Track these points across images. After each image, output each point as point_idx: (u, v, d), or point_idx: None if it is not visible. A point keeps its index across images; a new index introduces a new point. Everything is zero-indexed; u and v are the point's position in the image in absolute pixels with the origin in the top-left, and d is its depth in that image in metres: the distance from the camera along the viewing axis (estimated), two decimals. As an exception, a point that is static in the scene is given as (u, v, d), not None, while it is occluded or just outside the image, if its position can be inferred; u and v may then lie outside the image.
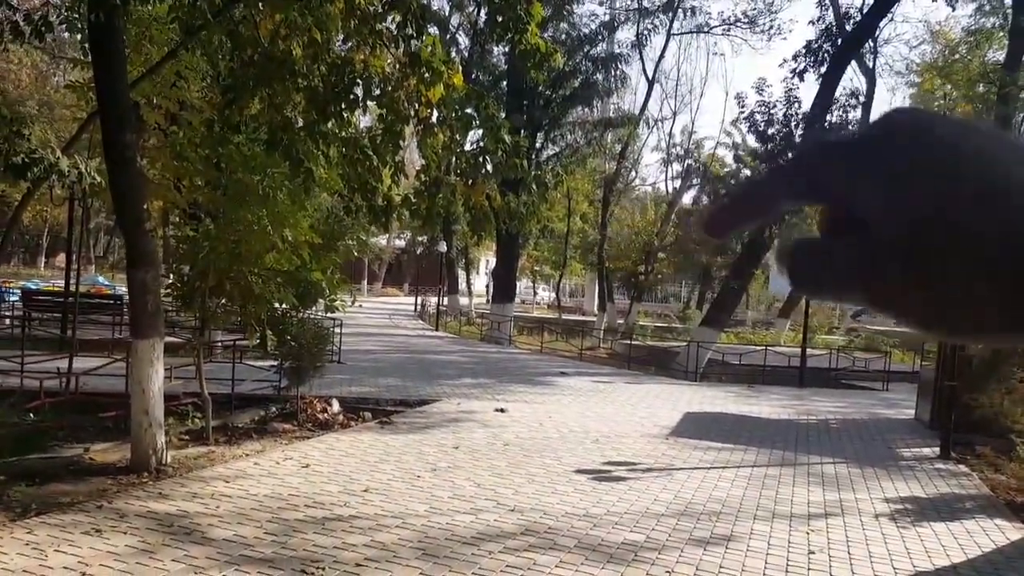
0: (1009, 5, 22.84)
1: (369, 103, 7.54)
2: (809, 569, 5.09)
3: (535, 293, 48.98)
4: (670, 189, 36.74)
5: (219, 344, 11.96)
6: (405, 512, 5.73)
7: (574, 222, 31.99)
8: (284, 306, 8.34)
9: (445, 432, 8.89)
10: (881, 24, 21.77)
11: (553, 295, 43.62)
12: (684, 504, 6.48)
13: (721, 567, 4.99)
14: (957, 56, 27.95)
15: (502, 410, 10.54)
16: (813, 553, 5.43)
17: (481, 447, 8.19)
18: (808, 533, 5.90)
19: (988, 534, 6.15)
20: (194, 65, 9.55)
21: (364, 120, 11.02)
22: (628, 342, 21.62)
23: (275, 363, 9.41)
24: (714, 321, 18.72)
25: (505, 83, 22.93)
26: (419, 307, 32.99)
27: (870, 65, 27.51)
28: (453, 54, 19.70)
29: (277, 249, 7.38)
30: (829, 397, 15.12)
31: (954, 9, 32.72)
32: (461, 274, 38.99)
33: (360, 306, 37.09)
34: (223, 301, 7.87)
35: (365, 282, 46.30)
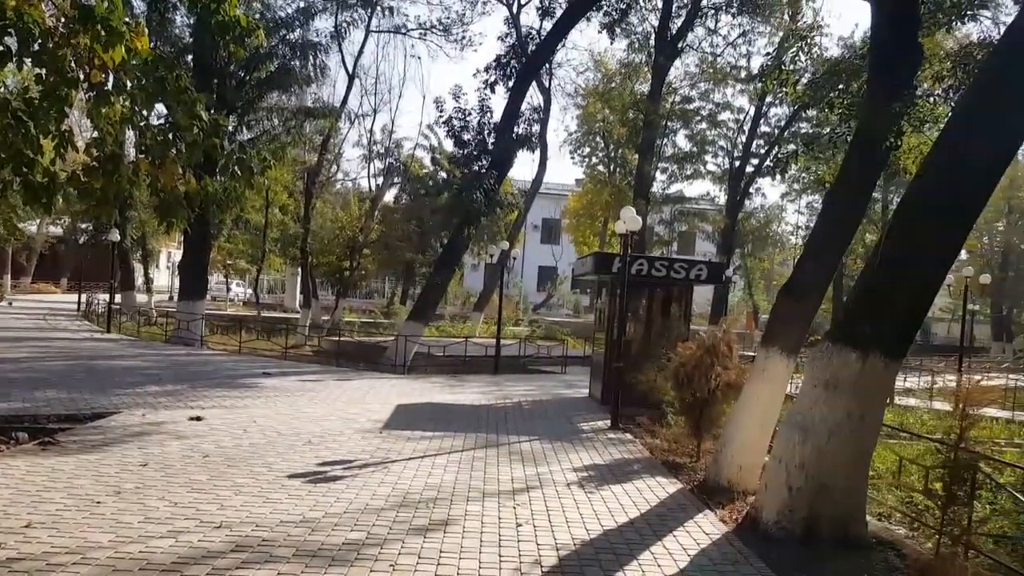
0: (653, 44, 27.23)
1: (26, 60, 6.28)
2: (519, 541, 5.52)
3: (229, 289, 45.38)
4: (373, 186, 36.87)
5: None
6: (84, 546, 4.91)
7: (273, 214, 30.36)
8: None
9: (129, 448, 7.83)
10: (556, 48, 24.34)
11: (250, 291, 40.88)
12: (402, 495, 6.58)
13: (442, 552, 5.16)
14: (614, 85, 32.44)
15: (198, 418, 9.62)
16: (520, 526, 5.90)
17: (175, 461, 7.37)
18: (515, 508, 6.40)
19: (652, 490, 7.28)
20: None
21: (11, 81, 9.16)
22: (335, 338, 21.23)
23: None
24: (420, 315, 19.28)
25: (191, 57, 20.89)
26: (84, 306, 28.54)
27: (547, 84, 30.62)
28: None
29: None
30: (520, 382, 16.58)
31: (612, 42, 37.88)
32: (138, 267, 34.59)
33: (10, 304, 30.85)
34: None
35: (8, 277, 38.62)
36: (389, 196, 36.40)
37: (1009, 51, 5.38)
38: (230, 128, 19.67)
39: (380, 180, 35.76)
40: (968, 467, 4.65)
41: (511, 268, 35.43)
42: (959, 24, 8.40)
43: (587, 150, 37.38)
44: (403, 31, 32.41)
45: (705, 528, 6.15)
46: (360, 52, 32.35)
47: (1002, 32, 6.65)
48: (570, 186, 48.08)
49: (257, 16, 21.07)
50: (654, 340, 12.26)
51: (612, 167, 35.36)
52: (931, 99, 7.44)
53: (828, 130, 9.74)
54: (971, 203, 5.67)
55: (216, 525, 5.48)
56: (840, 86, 8.41)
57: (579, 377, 16.87)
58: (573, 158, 39.17)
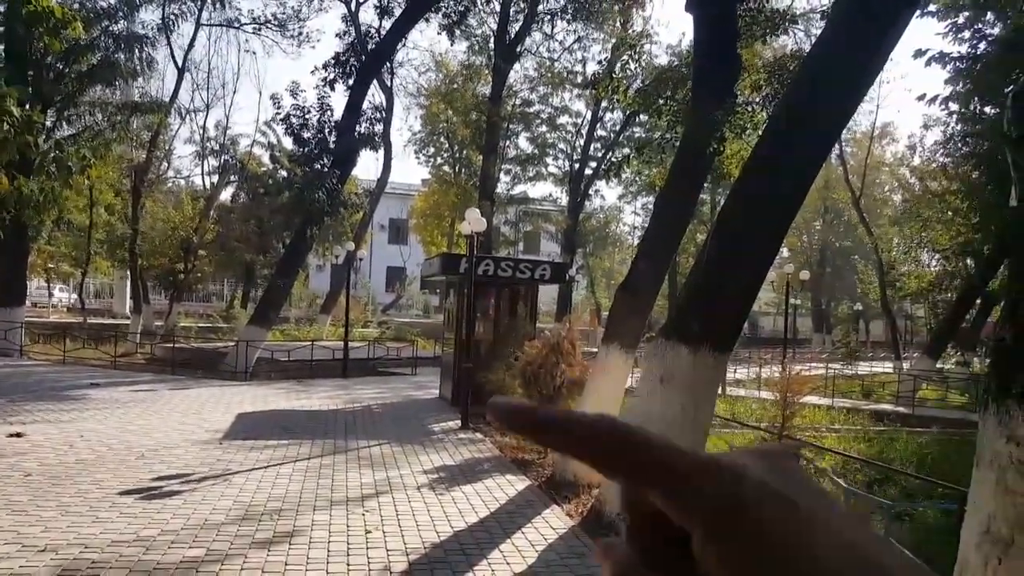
0: (492, 47, 27.61)
1: None
2: (368, 548, 5.33)
3: (51, 295, 40.74)
4: (207, 184, 34.49)
5: None
6: None
7: (98, 214, 27.53)
8: None
9: (-81, 479, 6.77)
10: (397, 47, 24.03)
11: (75, 296, 36.87)
12: (244, 508, 6.18)
13: (287, 564, 4.89)
14: (456, 86, 32.55)
15: (19, 434, 8.61)
16: (370, 532, 5.71)
17: (-20, 489, 6.46)
18: (364, 514, 6.19)
19: (502, 488, 7.33)
20: None
21: None
22: (170, 345, 19.61)
23: None
24: (262, 319, 18.26)
25: (1, 48, 18.48)
26: None
27: (389, 84, 30.16)
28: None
29: None
30: (370, 384, 16.18)
31: (452, 44, 38.04)
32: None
33: None
34: None
35: None
36: (225, 195, 34.24)
37: (817, 63, 5.91)
38: (47, 124, 17.63)
39: (215, 178, 33.57)
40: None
41: (358, 269, 34.57)
42: (774, 37, 9.19)
43: (432, 150, 37.24)
44: (236, 25, 30.62)
45: (552, 523, 6.26)
46: (190, 45, 30.00)
47: (812, 44, 7.28)
48: (416, 186, 47.73)
49: (75, 6, 19.06)
50: (502, 339, 12.40)
51: (457, 168, 35.48)
52: (750, 107, 8.06)
53: (658, 135, 10.32)
54: (787, 204, 6.16)
55: (40, 548, 4.94)
56: (667, 93, 8.91)
57: (429, 378, 16.75)
58: (418, 158, 38.91)
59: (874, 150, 39.37)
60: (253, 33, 30.79)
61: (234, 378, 16.12)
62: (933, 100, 14.51)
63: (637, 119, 27.93)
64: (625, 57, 9.43)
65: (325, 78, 19.73)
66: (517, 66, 29.48)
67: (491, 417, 0.32)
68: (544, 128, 34.84)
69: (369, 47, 21.12)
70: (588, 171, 33.68)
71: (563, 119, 34.88)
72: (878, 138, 41.49)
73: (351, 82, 19.60)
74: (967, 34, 15.21)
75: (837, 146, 30.67)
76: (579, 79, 30.73)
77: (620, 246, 44.59)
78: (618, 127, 32.44)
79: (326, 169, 18.88)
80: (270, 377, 17.06)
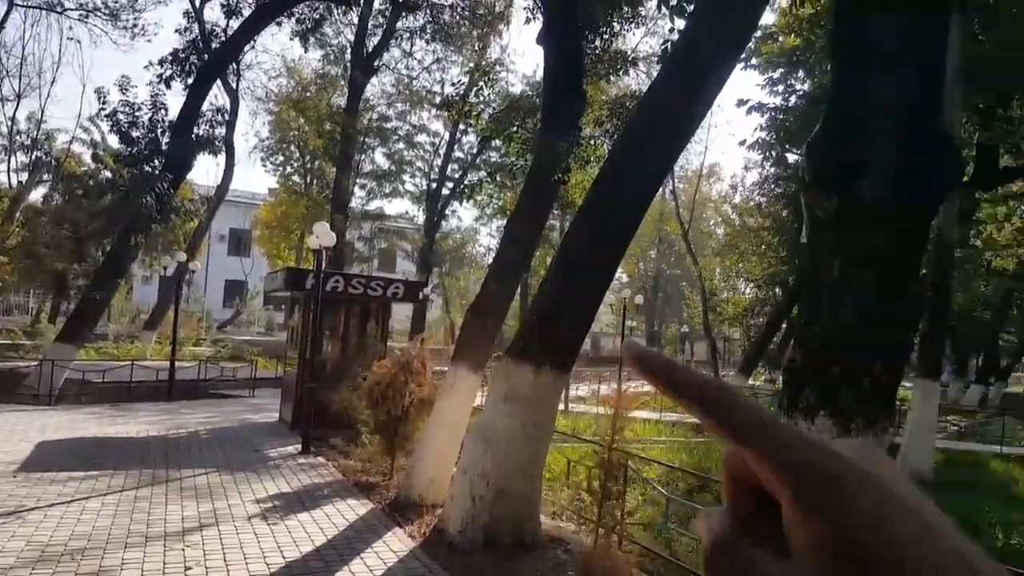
0: (349, 59, 27.17)
1: None
2: (189, 588, 4.97)
3: None
4: (14, 182, 30.83)
5: None
6: None
7: None
8: None
9: None
10: (245, 48, 23.00)
11: None
12: (40, 549, 5.52)
13: (90, 614, 4.43)
14: (309, 94, 31.65)
15: None
16: (190, 569, 5.32)
17: None
18: (184, 549, 5.76)
19: (343, 514, 7.11)
20: None
21: None
22: (-48, 366, 17.20)
23: None
24: (73, 336, 16.49)
25: None
26: None
27: (234, 86, 28.73)
28: None
29: None
30: (200, 408, 15.10)
31: (306, 51, 36.92)
32: None
33: None
34: None
35: None
36: (36, 195, 30.85)
37: (650, 105, 6.38)
38: None
39: (24, 176, 30.14)
40: (619, 465, 5.34)
41: (191, 281, 32.34)
42: (618, 76, 9.80)
43: (281, 159, 35.84)
44: (58, 10, 27.86)
45: (393, 546, 6.16)
46: (0, 27, 26.92)
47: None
48: (263, 195, 45.53)
49: None
50: (350, 359, 12.08)
51: (308, 178, 34.38)
52: (594, 140, 8.53)
53: (510, 161, 10.64)
54: (622, 233, 6.56)
55: None
56: (518, 121, 9.22)
57: (269, 400, 15.95)
58: (265, 166, 37.07)
59: (702, 187, 42.89)
60: (79, 20, 28.16)
61: (37, 402, 14.44)
62: (752, 145, 16.09)
63: (492, 144, 28.52)
64: (480, 83, 9.64)
65: (161, 75, 18.48)
66: (375, 80, 29.16)
67: (623, 354, 0.34)
68: (401, 145, 34.68)
69: (213, 46, 20.02)
70: (445, 191, 33.85)
71: (421, 137, 34.93)
72: (706, 177, 45.27)
73: (190, 81, 18.48)
74: (781, 88, 17.06)
75: (670, 182, 33.09)
76: (437, 99, 30.92)
77: (476, 266, 45.10)
78: (475, 150, 32.94)
79: (157, 171, 17.58)
80: (80, 401, 15.43)
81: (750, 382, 24.31)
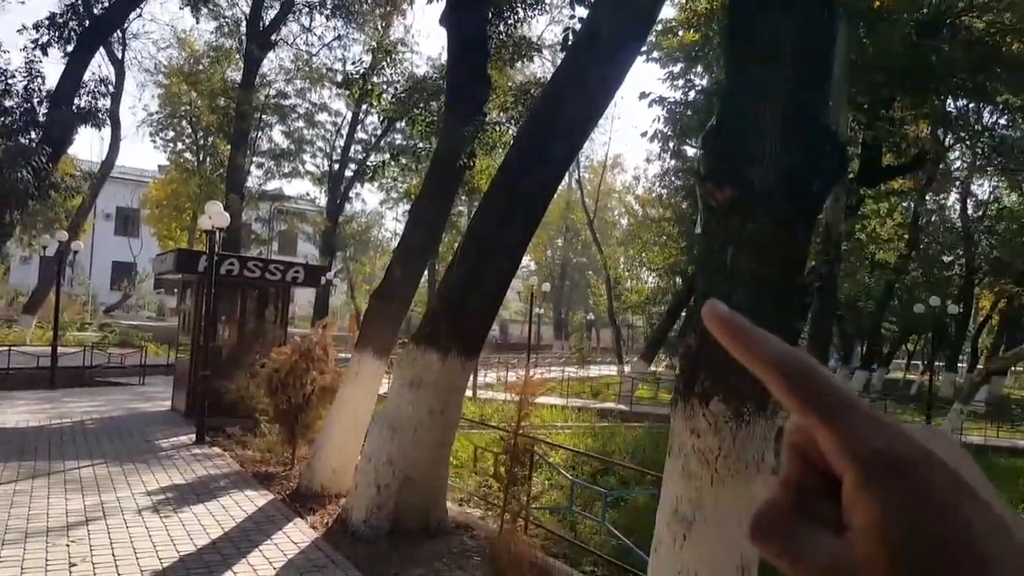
0: (245, 32, 25.98)
1: None
2: (71, 588, 4.68)
3: None
4: None
5: None
6: None
7: None
8: None
9: None
10: (130, 16, 21.57)
11: None
12: None
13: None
14: (202, 67, 30.03)
15: None
16: (75, 565, 5.02)
17: None
18: (69, 545, 5.43)
19: (240, 506, 6.88)
20: None
21: None
22: None
23: None
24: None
25: None
26: None
27: (119, 56, 26.92)
28: None
29: None
30: (85, 397, 14.20)
31: (198, 22, 35.01)
32: None
33: None
34: None
35: None
36: None
37: (554, 92, 6.44)
38: None
39: None
40: (525, 451, 5.41)
41: (74, 262, 30.19)
42: (524, 62, 9.82)
43: (171, 134, 33.90)
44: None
45: (294, 537, 6.02)
46: None
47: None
48: (152, 172, 43.00)
49: None
50: (247, 345, 11.64)
51: (201, 156, 32.71)
52: (499, 126, 8.52)
53: (415, 144, 10.47)
54: (528, 220, 6.61)
55: None
56: (422, 104, 9.08)
57: (161, 388, 15.18)
58: (155, 141, 34.92)
59: (607, 178, 43.86)
60: (-62, -24, 25.59)
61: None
62: (652, 137, 16.55)
63: (397, 126, 28.03)
64: (383, 63, 9.42)
65: (36, 40, 17.02)
66: (272, 55, 28.00)
67: (706, 314, 0.32)
68: (301, 123, 33.50)
69: (95, 11, 18.62)
70: (349, 172, 33.00)
71: (322, 116, 33.84)
72: (610, 167, 46.30)
73: (70, 49, 17.15)
74: (681, 82, 17.63)
75: (575, 171, 33.65)
76: (339, 77, 30.04)
77: (382, 251, 44.35)
78: (379, 131, 32.24)
79: (34, 144, 16.26)
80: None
81: (651, 368, 25.16)
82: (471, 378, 18.42)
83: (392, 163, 11.27)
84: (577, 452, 9.09)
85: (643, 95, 16.95)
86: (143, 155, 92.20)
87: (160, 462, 8.57)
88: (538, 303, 35.29)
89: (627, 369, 23.25)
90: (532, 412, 5.94)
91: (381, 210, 42.08)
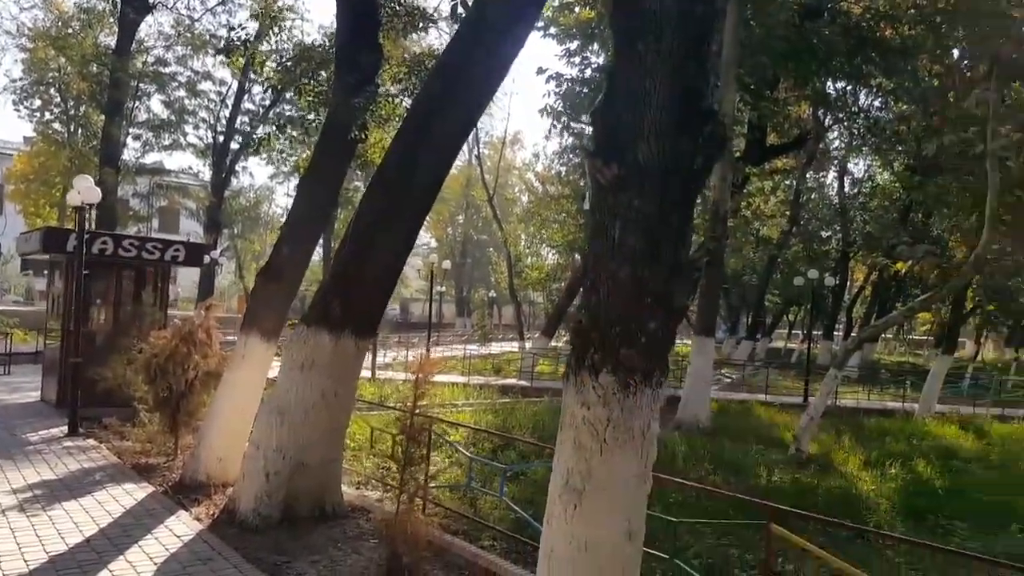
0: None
1: None
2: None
3: None
4: None
5: None
6: None
7: None
8: None
9: None
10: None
11: None
12: None
13: None
14: (71, 31, 27.65)
15: None
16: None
17: None
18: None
19: (118, 500, 6.45)
20: None
21: None
22: None
23: None
24: None
25: None
26: None
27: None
28: None
29: None
30: (-63, 392, 12.93)
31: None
32: None
33: None
34: None
35: None
36: None
37: (448, 64, 6.29)
38: None
39: None
40: (422, 430, 5.32)
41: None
42: (419, 33, 9.56)
43: (38, 103, 31.13)
44: None
45: (177, 530, 5.71)
46: None
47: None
48: (17, 144, 39.46)
49: None
50: (124, 329, 10.87)
51: (72, 126, 30.22)
52: (393, 98, 8.27)
53: (303, 115, 10.01)
54: (423, 195, 6.45)
55: None
56: (310, 73, 8.68)
57: (28, 378, 14.06)
58: (19, 110, 32.02)
59: (507, 155, 43.88)
60: None
61: None
62: (544, 112, 16.63)
63: (287, 96, 26.83)
64: (269, 29, 8.93)
65: None
66: (150, 19, 26.09)
67: None
68: (183, 93, 31.48)
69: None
70: (235, 145, 31.39)
71: (206, 85, 31.93)
72: (510, 144, 46.34)
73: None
74: (577, 59, 17.77)
75: (475, 148, 33.48)
76: (223, 44, 28.35)
77: (272, 228, 42.66)
78: (268, 102, 30.77)
79: None
80: None
81: (552, 343, 25.58)
82: (371, 358, 18.14)
83: (279, 135, 10.77)
84: (477, 429, 9.10)
85: (540, 71, 16.99)
86: (6, 125, 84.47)
87: (28, 457, 7.93)
88: (439, 281, 35.09)
89: (528, 345, 23.58)
90: (430, 391, 5.86)
91: (271, 184, 40.46)
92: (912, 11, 13.37)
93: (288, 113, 27.40)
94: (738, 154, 19.12)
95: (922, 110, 16.13)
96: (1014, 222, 14.78)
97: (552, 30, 18.19)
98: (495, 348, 30.46)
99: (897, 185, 26.18)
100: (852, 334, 29.63)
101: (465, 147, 41.36)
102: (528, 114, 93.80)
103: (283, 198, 46.64)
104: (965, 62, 13.53)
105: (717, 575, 5.56)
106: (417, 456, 5.33)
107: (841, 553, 5.60)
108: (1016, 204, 14.50)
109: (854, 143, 26.61)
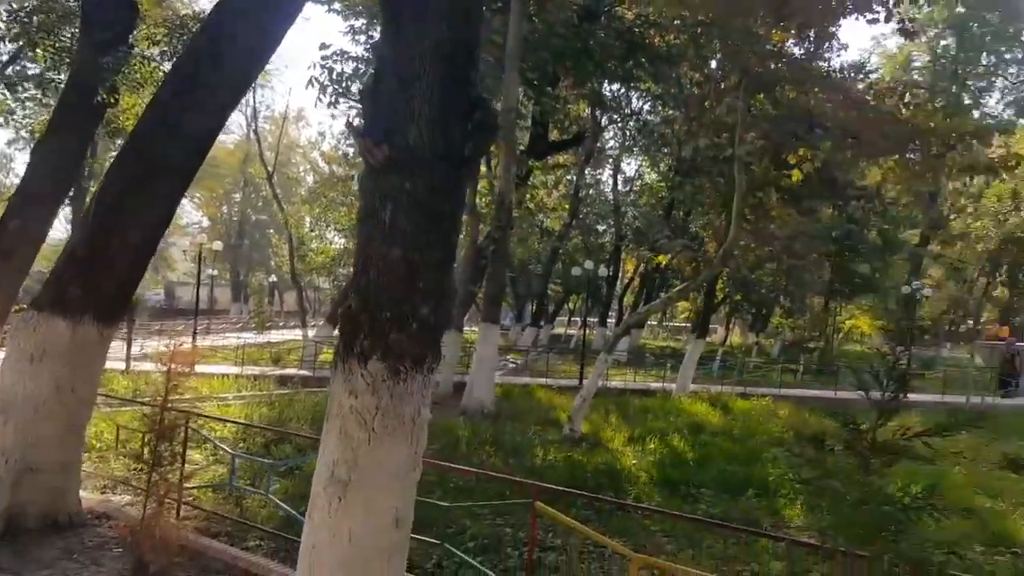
0: None
1: None
2: None
3: None
4: None
5: None
6: None
7: None
8: None
9: None
10: None
11: None
12: None
13: None
14: None
15: None
16: None
17: None
18: None
19: None
20: None
21: None
22: None
23: None
24: None
25: None
26: None
27: None
28: None
29: None
30: None
31: None
32: None
33: None
34: None
35: None
36: None
37: (214, 26, 5.75)
38: None
39: None
40: (174, 426, 4.82)
41: None
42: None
43: None
44: None
45: None
46: None
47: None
48: None
49: None
50: None
51: None
52: (149, 61, 7.41)
53: (43, 72, 8.64)
54: (186, 161, 5.81)
55: None
56: (51, 28, 7.52)
57: None
58: None
59: (290, 132, 41.77)
60: None
61: None
62: (319, 87, 16.00)
63: (30, 53, 23.15)
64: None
65: None
66: None
67: None
68: None
69: None
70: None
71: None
72: (294, 121, 44.18)
73: None
74: (363, 37, 17.31)
75: (254, 122, 31.46)
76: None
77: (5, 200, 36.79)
78: (5, 57, 26.25)
79: None
80: None
81: (336, 332, 24.81)
82: (125, 349, 16.31)
83: (6, 93, 9.22)
84: (240, 423, 8.53)
85: (324, 46, 16.28)
86: None
87: None
88: (211, 263, 32.51)
89: (312, 333, 22.64)
90: (191, 383, 5.35)
91: (9, 152, 34.94)
92: (677, 21, 14.57)
93: (30, 71, 23.65)
94: (522, 147, 19.85)
95: (684, 115, 17.81)
96: (756, 221, 16.92)
97: (336, 5, 17.54)
98: (275, 336, 28.97)
99: (663, 184, 28.80)
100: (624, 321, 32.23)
101: (243, 121, 38.67)
102: (314, 90, 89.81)
103: (24, 167, 40.45)
104: (719, 72, 15.02)
105: (492, 553, 5.72)
106: (169, 455, 4.84)
107: (604, 525, 6.05)
108: (758, 205, 16.60)
109: (627, 143, 28.86)
